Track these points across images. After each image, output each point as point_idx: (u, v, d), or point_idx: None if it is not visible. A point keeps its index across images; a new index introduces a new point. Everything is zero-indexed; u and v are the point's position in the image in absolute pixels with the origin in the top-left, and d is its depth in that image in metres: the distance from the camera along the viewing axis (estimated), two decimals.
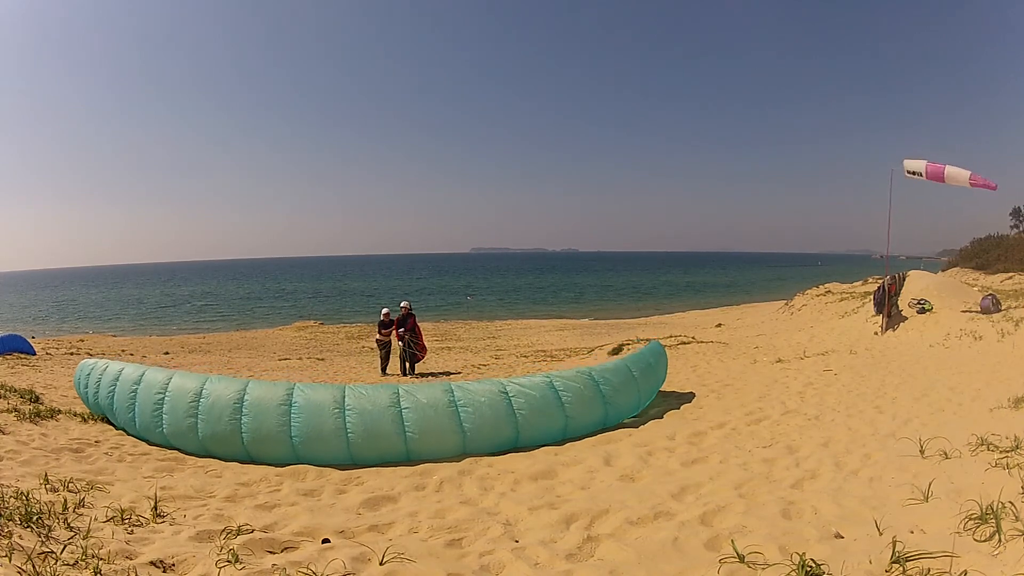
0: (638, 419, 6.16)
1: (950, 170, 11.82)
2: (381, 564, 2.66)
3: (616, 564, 2.69)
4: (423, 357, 11.75)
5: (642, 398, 6.49)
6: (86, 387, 6.36)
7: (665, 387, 7.88)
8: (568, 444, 5.31)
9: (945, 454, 3.80)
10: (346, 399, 5.13)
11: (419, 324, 11.74)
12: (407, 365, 11.41)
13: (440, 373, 11.63)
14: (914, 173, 12.30)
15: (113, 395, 5.90)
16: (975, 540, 2.43)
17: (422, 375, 11.27)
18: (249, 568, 2.57)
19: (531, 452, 5.07)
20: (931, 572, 2.20)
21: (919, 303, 12.99)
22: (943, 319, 12.04)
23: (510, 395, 5.40)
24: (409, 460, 4.95)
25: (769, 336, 15.16)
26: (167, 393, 5.43)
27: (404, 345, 11.31)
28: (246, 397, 5.17)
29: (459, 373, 11.61)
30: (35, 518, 2.75)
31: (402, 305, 11.64)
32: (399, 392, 5.24)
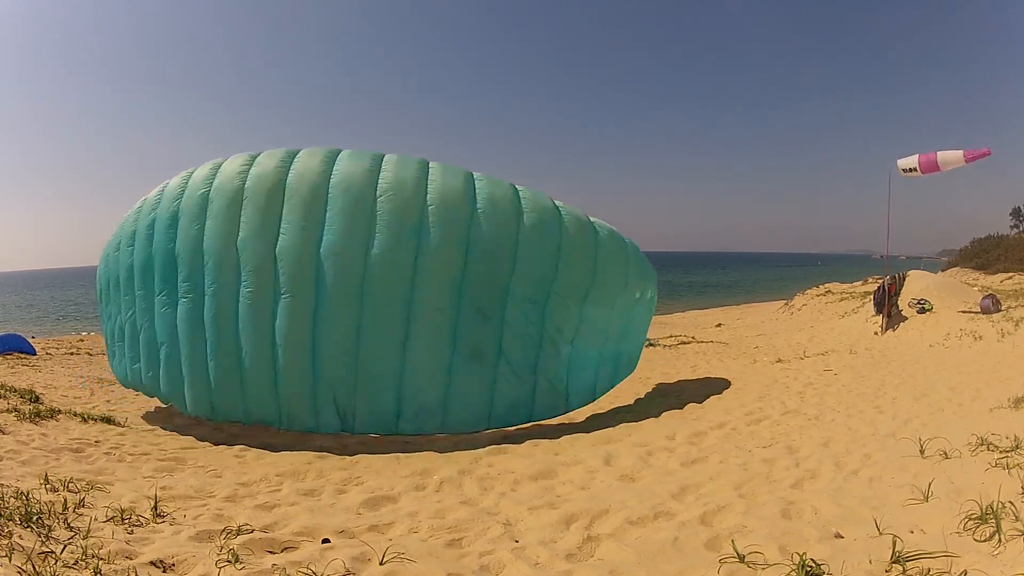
0: (638, 419, 6.15)
1: (942, 155, 11.89)
2: (381, 564, 2.66)
3: (616, 564, 2.69)
4: None
5: (630, 276, 6.23)
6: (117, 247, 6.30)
7: (665, 387, 7.88)
8: (568, 443, 5.31)
9: (945, 454, 3.80)
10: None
11: None
12: None
13: None
14: (909, 170, 12.36)
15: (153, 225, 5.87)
16: (975, 540, 2.43)
17: None
18: (249, 568, 2.57)
19: (531, 452, 5.07)
20: (931, 572, 2.20)
21: (919, 303, 13.00)
22: (943, 319, 12.05)
23: (475, 176, 5.69)
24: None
25: (769, 336, 15.17)
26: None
27: None
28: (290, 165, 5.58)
29: None
30: (35, 518, 2.75)
31: None
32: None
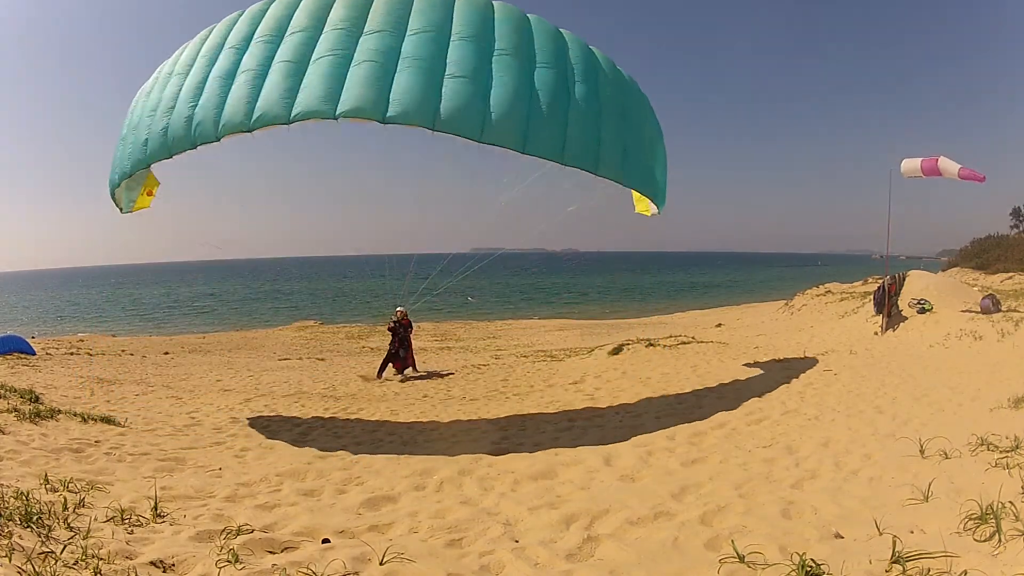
0: (638, 419, 6.16)
1: (943, 162, 12.12)
2: (381, 564, 2.66)
3: (616, 564, 2.70)
4: (403, 367, 11.51)
5: (648, 114, 6.67)
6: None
7: (665, 387, 7.86)
8: (568, 443, 5.31)
9: (945, 454, 3.80)
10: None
11: (416, 326, 11.76)
12: (386, 363, 11.44)
13: (438, 373, 11.63)
14: (913, 176, 12.57)
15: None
16: (975, 540, 2.43)
17: (419, 376, 11.27)
18: (249, 568, 2.57)
19: (531, 452, 5.07)
20: (931, 572, 2.20)
21: (919, 303, 13.00)
22: (943, 319, 12.04)
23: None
24: None
25: (769, 336, 15.17)
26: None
27: (392, 337, 11.35)
28: None
29: (454, 373, 11.61)
30: (35, 518, 2.75)
31: (398, 310, 11.72)
32: None
